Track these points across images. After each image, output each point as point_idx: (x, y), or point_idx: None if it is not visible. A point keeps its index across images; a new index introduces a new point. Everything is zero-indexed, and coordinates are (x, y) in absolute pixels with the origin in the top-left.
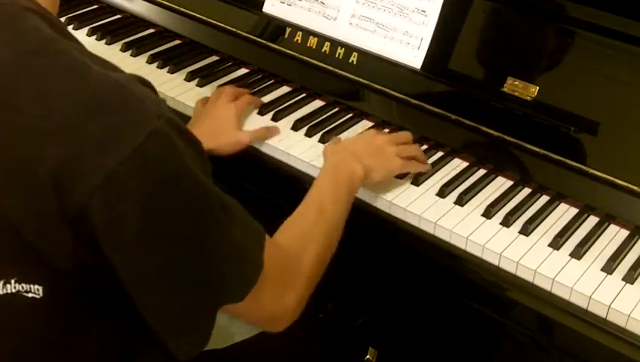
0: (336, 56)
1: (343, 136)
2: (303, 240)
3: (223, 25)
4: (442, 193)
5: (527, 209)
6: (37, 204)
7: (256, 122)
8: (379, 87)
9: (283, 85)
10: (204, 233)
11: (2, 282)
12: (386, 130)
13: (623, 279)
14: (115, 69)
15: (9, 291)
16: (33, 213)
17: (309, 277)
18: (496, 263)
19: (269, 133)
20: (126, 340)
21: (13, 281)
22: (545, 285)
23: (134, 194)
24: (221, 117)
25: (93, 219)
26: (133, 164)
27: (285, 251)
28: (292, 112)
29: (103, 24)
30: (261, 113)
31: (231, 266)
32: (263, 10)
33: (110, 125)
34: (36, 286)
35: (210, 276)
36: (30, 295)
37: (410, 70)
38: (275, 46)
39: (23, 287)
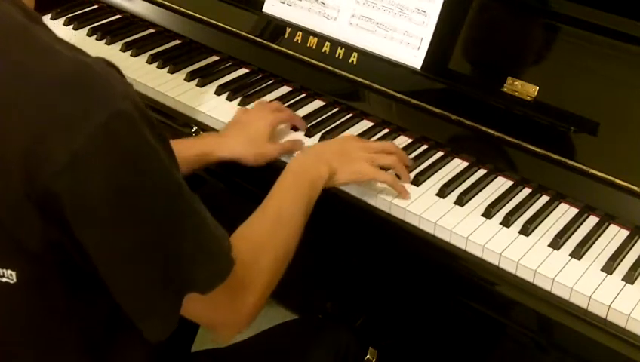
0: (336, 56)
1: (343, 136)
2: (260, 246)
3: (223, 25)
4: (442, 193)
5: (527, 209)
6: (7, 185)
7: None
8: (379, 87)
9: (283, 85)
10: (176, 214)
11: None
12: (386, 130)
13: (623, 279)
14: (84, 53)
15: None
16: (4, 195)
17: (265, 284)
18: (496, 263)
19: (295, 147)
20: (106, 324)
21: None
22: (545, 285)
23: (100, 172)
24: (255, 127)
25: (61, 198)
26: (98, 142)
27: (249, 258)
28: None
29: (103, 24)
30: None
31: (203, 253)
32: (263, 10)
33: (76, 104)
34: (9, 271)
35: (179, 258)
36: (4, 280)
37: (410, 70)
38: (275, 46)
39: None
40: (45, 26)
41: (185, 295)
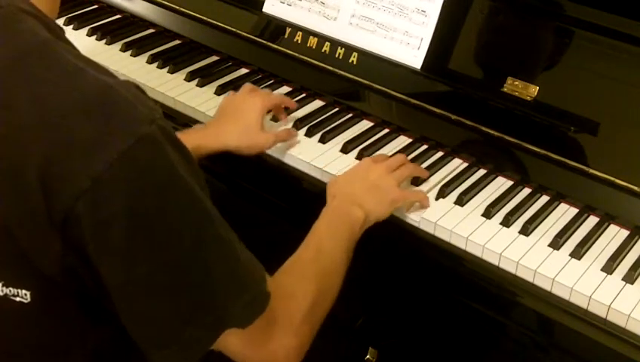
0: (336, 56)
1: (344, 136)
2: (302, 284)
3: (223, 25)
4: (442, 193)
5: (527, 209)
6: (27, 205)
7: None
8: (379, 87)
9: (283, 85)
10: (198, 243)
11: None
12: (386, 130)
13: (623, 279)
14: (110, 74)
15: None
16: (24, 215)
17: (309, 322)
18: (496, 263)
19: (288, 135)
20: (116, 346)
21: (0, 284)
22: (545, 285)
23: (122, 199)
24: (247, 115)
25: (81, 222)
26: (121, 169)
27: (286, 293)
28: (292, 112)
29: (103, 24)
30: None
31: (235, 283)
32: (263, 10)
33: (99, 128)
34: (24, 291)
35: (208, 290)
36: (18, 299)
37: (410, 70)
38: (275, 46)
39: (10, 291)
40: (68, 42)
41: (222, 329)
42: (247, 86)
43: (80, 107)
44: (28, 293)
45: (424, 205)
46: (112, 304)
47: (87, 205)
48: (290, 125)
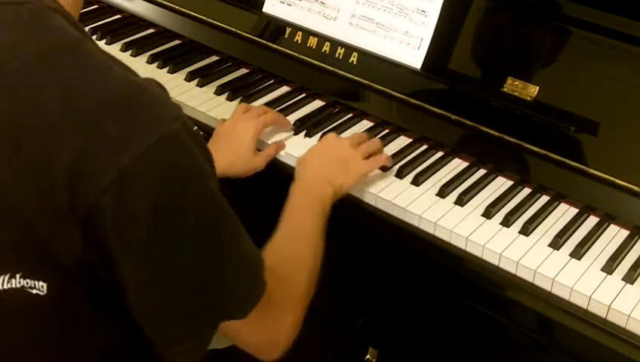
0: (336, 56)
1: (343, 136)
2: (290, 263)
3: (223, 25)
4: (442, 193)
5: (527, 209)
6: (51, 200)
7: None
8: (379, 87)
9: (283, 85)
10: (218, 239)
11: (8, 276)
12: (386, 131)
13: (623, 279)
14: (134, 72)
15: (13, 286)
16: (47, 209)
17: (301, 300)
18: (496, 263)
19: (278, 148)
20: (125, 349)
21: (18, 276)
22: (545, 285)
23: (147, 193)
24: (240, 141)
25: (104, 216)
26: (147, 163)
27: (278, 273)
28: (292, 112)
29: (103, 24)
30: None
31: (240, 277)
32: (263, 10)
33: (127, 124)
34: (41, 283)
35: (218, 285)
36: (34, 291)
37: (410, 70)
38: (275, 46)
39: (27, 283)
40: (93, 40)
41: (220, 322)
42: (241, 107)
43: (110, 105)
44: (45, 285)
45: (387, 164)
46: (126, 301)
47: (112, 198)
48: (290, 125)
